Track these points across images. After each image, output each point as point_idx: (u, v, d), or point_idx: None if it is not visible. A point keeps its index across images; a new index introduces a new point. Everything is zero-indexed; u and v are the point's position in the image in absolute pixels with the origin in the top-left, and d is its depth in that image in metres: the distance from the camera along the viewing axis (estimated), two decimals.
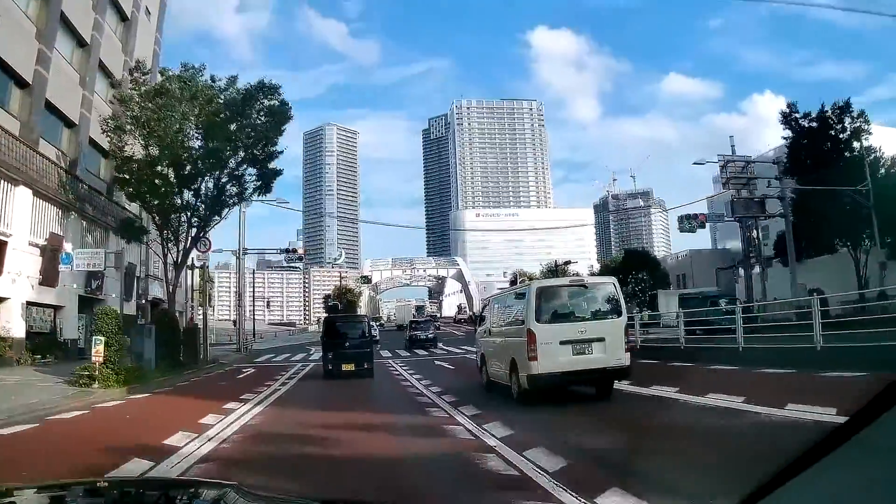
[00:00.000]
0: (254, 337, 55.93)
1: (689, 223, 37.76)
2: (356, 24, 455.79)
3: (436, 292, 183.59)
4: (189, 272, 51.75)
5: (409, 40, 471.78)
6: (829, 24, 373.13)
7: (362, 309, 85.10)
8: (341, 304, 75.91)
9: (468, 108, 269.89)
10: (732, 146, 38.31)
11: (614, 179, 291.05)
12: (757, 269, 39.40)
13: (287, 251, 36.62)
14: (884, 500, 1.00)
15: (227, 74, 29.73)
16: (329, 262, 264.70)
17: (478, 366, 15.19)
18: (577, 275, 44.58)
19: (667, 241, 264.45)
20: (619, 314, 11.71)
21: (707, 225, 39.23)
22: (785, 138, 40.57)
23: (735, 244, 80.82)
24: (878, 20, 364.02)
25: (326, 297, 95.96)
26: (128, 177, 24.01)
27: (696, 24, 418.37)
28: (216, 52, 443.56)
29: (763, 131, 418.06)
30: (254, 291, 59.29)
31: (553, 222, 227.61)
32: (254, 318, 56.62)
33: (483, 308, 19.16)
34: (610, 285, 12.35)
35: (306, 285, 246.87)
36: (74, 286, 27.23)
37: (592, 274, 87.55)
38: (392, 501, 4.57)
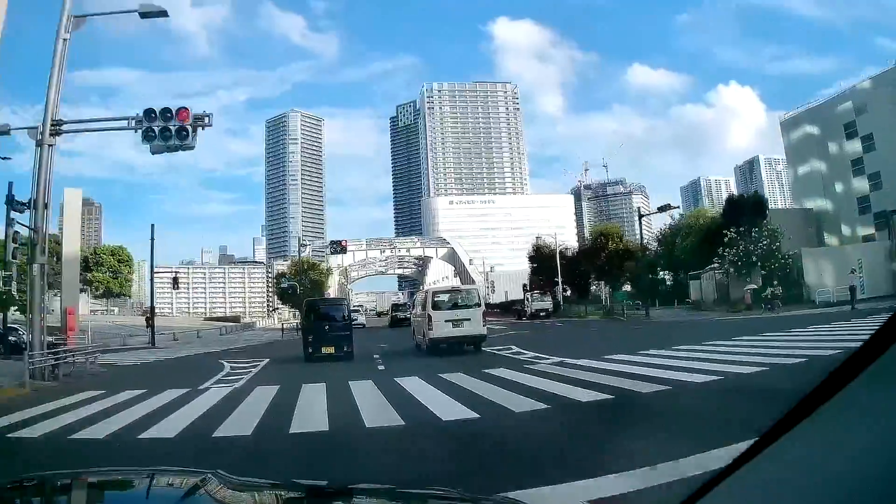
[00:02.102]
0: (152, 338, 32.99)
1: None
2: (318, 22, 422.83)
3: (413, 281, 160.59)
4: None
5: (374, 37, 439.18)
6: (801, 19, 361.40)
7: (332, 292, 63.85)
8: (302, 286, 51.94)
9: (439, 91, 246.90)
10: None
11: (586, 169, 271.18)
12: None
13: (150, 115, 13.72)
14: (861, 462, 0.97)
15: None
16: (293, 256, 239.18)
17: (412, 335, 23.35)
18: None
19: (649, 230, 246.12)
20: (480, 305, 19.32)
21: None
22: None
23: (818, 203, 61.01)
24: (851, 13, 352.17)
25: (279, 277, 68.05)
26: None
27: (664, 19, 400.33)
28: (178, 49, 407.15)
29: (730, 122, 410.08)
30: (152, 263, 35.79)
31: (532, 209, 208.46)
32: (153, 309, 33.70)
33: (412, 301, 30.28)
34: (475, 290, 21.47)
35: (269, 278, 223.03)
36: None
37: (648, 245, 66.72)
38: (379, 484, 3.26)
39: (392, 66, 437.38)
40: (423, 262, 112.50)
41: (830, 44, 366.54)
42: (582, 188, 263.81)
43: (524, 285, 62.42)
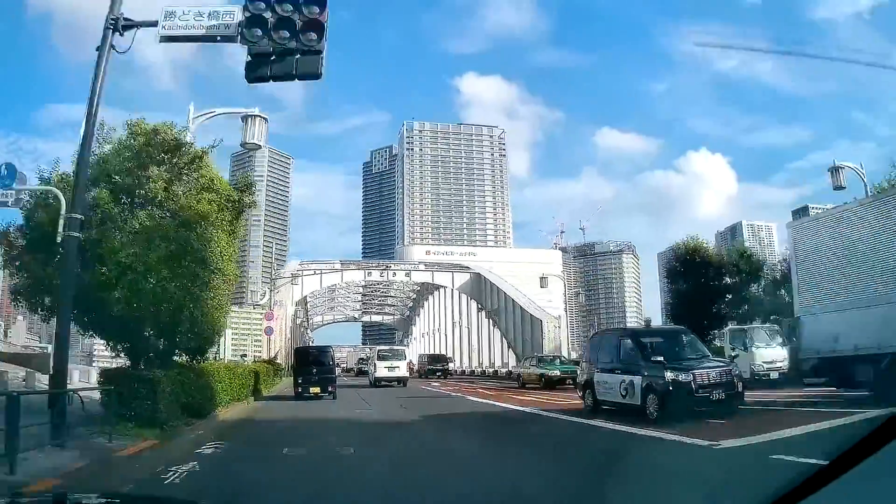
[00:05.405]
0: None
1: None
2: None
3: (378, 329, 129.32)
4: None
5: (343, 91, 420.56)
6: (773, 91, 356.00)
7: (278, 321, 35.60)
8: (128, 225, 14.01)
9: (420, 132, 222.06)
10: None
11: (562, 231, 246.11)
12: None
13: None
14: None
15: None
16: (251, 304, 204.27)
17: (369, 377, 37.56)
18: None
19: (637, 293, 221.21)
20: (405, 358, 36.80)
21: None
22: None
23: None
24: (823, 87, 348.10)
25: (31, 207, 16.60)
26: None
27: (639, 87, 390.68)
28: (146, 88, 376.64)
29: (700, 190, 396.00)
30: None
31: (517, 265, 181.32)
32: None
33: (370, 357, 45.97)
34: (403, 350, 40.46)
35: None
36: None
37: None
38: None
39: (362, 121, 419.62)
40: (421, 295, 77.98)
41: (802, 116, 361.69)
42: (559, 250, 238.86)
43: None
